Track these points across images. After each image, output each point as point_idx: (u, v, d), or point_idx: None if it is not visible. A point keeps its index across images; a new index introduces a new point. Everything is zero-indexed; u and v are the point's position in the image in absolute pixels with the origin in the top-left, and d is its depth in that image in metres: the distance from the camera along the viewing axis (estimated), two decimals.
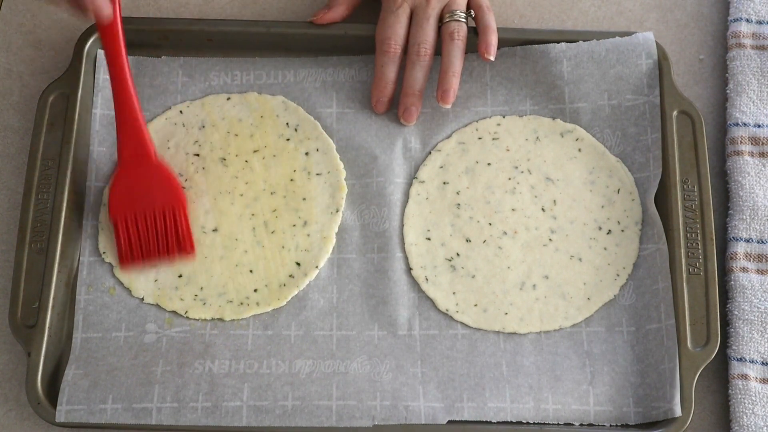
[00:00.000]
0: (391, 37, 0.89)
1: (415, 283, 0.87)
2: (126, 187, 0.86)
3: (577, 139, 0.90)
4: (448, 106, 0.89)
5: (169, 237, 0.86)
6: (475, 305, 0.86)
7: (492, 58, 0.89)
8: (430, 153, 0.90)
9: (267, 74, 0.93)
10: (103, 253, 0.87)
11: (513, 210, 0.88)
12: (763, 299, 0.84)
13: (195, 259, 0.86)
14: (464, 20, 0.90)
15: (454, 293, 0.86)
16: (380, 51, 0.90)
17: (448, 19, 0.89)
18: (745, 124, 0.90)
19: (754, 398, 0.82)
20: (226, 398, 0.82)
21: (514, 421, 0.82)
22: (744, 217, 0.87)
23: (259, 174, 0.89)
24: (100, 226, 0.88)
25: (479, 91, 0.92)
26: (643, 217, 0.88)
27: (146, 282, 0.86)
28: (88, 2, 0.79)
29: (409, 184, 0.89)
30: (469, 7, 0.91)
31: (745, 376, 0.83)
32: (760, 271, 0.86)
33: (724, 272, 0.87)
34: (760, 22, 0.94)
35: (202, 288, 0.86)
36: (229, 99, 0.92)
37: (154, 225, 0.86)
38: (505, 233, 0.88)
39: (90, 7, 0.79)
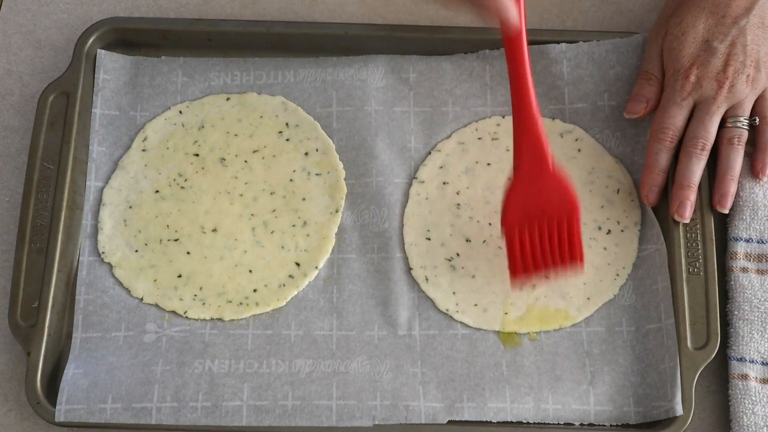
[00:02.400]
0: (669, 127, 0.86)
1: (415, 283, 0.87)
2: (522, 198, 0.82)
3: (576, 140, 0.90)
4: (726, 211, 0.86)
5: (562, 247, 0.82)
6: (475, 305, 0.86)
7: (766, 179, 0.87)
8: (429, 153, 0.90)
9: (267, 74, 0.93)
10: (103, 253, 0.87)
11: None
12: (763, 299, 0.84)
13: (584, 271, 0.84)
14: (747, 128, 0.86)
15: (454, 293, 0.86)
16: (656, 138, 0.86)
17: (731, 125, 0.86)
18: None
19: (754, 398, 0.82)
20: (226, 398, 0.82)
21: (514, 421, 0.82)
22: (744, 217, 0.87)
23: (258, 174, 0.89)
24: (99, 225, 0.88)
25: (479, 91, 0.92)
26: (642, 218, 0.88)
27: (145, 282, 0.86)
28: (491, 4, 0.78)
29: (409, 184, 0.89)
30: (753, 113, 0.87)
31: (745, 376, 0.83)
32: (760, 271, 0.86)
33: (724, 272, 0.87)
34: None
35: (201, 288, 0.86)
36: (228, 99, 0.92)
37: (547, 236, 0.82)
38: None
39: (493, 8, 0.78)
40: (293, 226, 0.88)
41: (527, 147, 0.82)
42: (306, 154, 0.90)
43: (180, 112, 0.91)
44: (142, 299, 0.86)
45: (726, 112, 0.86)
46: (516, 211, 0.82)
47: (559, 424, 0.82)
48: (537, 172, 0.82)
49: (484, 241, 0.87)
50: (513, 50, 0.83)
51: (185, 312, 0.86)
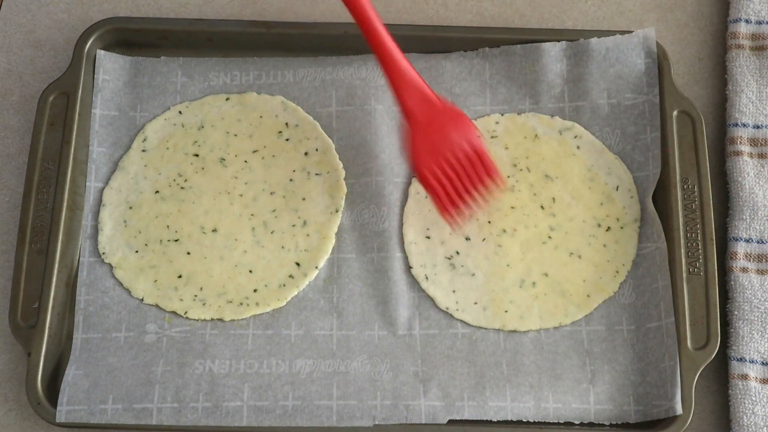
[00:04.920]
0: None
1: (415, 283, 0.87)
2: (423, 141, 0.83)
3: (575, 137, 0.90)
4: None
5: (477, 169, 0.84)
6: (475, 303, 0.86)
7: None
8: None
9: (266, 74, 0.93)
10: (103, 253, 0.87)
11: (512, 208, 0.88)
12: (763, 299, 0.84)
13: (505, 184, 0.86)
14: None
15: (453, 291, 0.86)
16: None
17: None
18: (744, 125, 0.90)
19: (754, 398, 0.82)
20: (226, 398, 0.82)
21: (514, 420, 0.82)
22: (744, 217, 0.87)
23: (258, 174, 0.89)
24: (99, 226, 0.88)
25: (478, 90, 0.92)
26: (642, 216, 0.88)
27: (146, 282, 0.86)
28: None
29: (409, 183, 0.89)
30: None
31: (745, 376, 0.83)
32: (760, 271, 0.86)
33: (724, 272, 0.87)
34: (759, 23, 0.93)
35: (201, 288, 0.86)
36: (228, 99, 0.92)
37: (460, 163, 0.84)
38: (504, 231, 0.88)
39: None
40: (293, 226, 0.88)
41: (408, 94, 0.84)
42: (306, 153, 0.90)
43: (180, 112, 0.91)
44: (142, 300, 0.86)
45: None
46: (422, 155, 0.83)
47: (559, 423, 0.82)
48: (427, 113, 0.84)
49: (484, 239, 0.87)
50: (353, 6, 0.84)
51: (185, 312, 0.86)
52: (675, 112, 0.89)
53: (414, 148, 0.83)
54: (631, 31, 0.91)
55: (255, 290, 0.86)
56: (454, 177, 0.84)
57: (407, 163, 0.84)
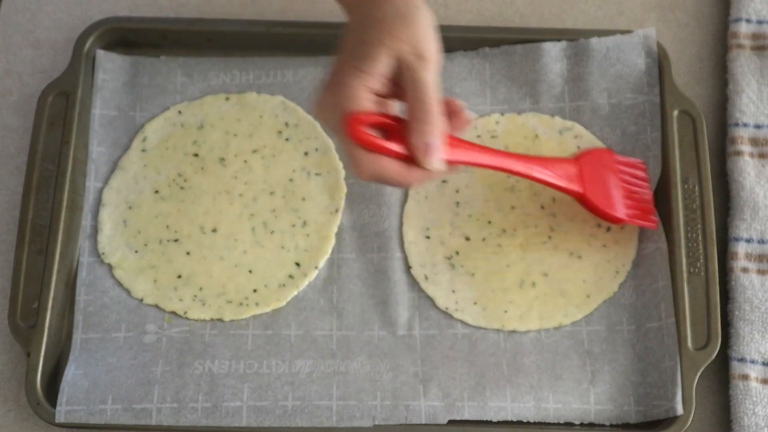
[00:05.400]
0: None
1: (414, 283, 0.87)
2: (602, 191, 0.86)
3: (575, 137, 0.90)
4: None
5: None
6: (475, 303, 0.86)
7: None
8: None
9: (266, 74, 0.93)
10: (102, 253, 0.87)
11: (512, 208, 0.88)
12: (763, 299, 0.84)
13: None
14: None
15: (453, 291, 0.86)
16: None
17: None
18: (745, 125, 0.90)
19: (754, 398, 0.82)
20: (226, 398, 0.82)
21: (514, 420, 0.82)
22: (744, 217, 0.87)
23: (258, 174, 0.89)
24: (99, 226, 0.88)
25: (479, 89, 0.92)
26: None
27: (145, 282, 0.86)
28: None
29: None
30: None
31: (745, 377, 0.83)
32: (760, 271, 0.86)
33: (725, 272, 0.87)
34: (760, 22, 0.93)
35: (201, 288, 0.86)
36: (228, 99, 0.92)
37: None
38: (504, 231, 0.87)
39: None
40: (293, 226, 0.88)
41: (560, 182, 0.84)
42: (306, 153, 0.90)
43: (179, 112, 0.91)
44: (142, 300, 0.86)
45: None
46: (614, 204, 0.85)
47: (559, 423, 0.82)
48: (576, 175, 0.85)
49: (484, 239, 0.87)
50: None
51: (185, 312, 0.86)
52: (675, 112, 0.89)
53: (603, 208, 0.85)
54: (632, 31, 0.91)
55: (255, 290, 0.86)
56: (631, 193, 0.87)
57: (604, 219, 0.86)
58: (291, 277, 0.86)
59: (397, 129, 0.71)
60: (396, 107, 0.70)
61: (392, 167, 0.71)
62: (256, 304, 0.86)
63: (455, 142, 0.75)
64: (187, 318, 0.86)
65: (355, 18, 0.72)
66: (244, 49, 0.93)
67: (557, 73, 0.91)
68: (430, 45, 0.70)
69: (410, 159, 0.71)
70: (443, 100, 0.73)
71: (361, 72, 0.68)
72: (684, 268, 0.84)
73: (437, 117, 0.70)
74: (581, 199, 0.85)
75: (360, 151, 0.70)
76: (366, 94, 0.69)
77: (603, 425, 0.82)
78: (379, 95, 0.70)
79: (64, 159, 0.87)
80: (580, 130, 0.90)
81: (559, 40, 0.92)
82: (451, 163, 0.74)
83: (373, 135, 0.69)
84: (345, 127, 0.69)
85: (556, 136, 0.90)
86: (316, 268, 0.87)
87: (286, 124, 0.91)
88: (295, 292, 0.86)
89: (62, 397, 0.81)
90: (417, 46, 0.69)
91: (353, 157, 0.70)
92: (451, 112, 0.74)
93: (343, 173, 0.89)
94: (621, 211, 0.85)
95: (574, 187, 0.84)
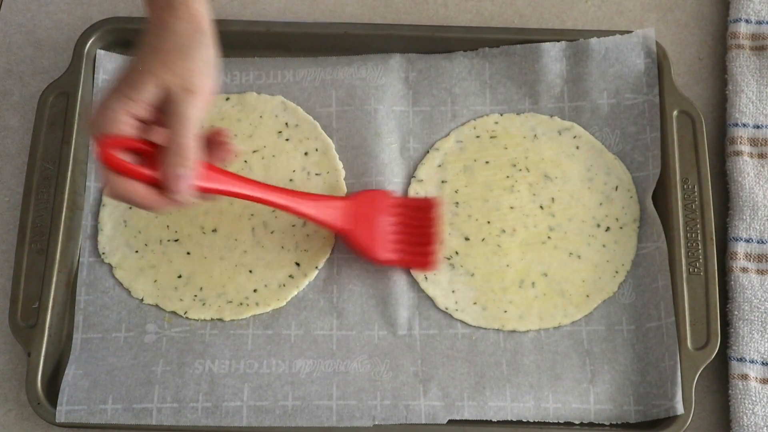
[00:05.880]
0: None
1: (414, 283, 0.87)
2: (364, 236, 0.85)
3: (574, 137, 0.90)
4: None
5: (415, 214, 0.87)
6: (475, 303, 0.86)
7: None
8: (428, 152, 0.90)
9: (266, 74, 0.93)
10: (103, 253, 0.87)
11: (511, 208, 0.88)
12: (763, 299, 0.84)
13: (439, 205, 0.87)
14: None
15: (453, 291, 0.86)
16: None
17: None
18: (744, 125, 0.90)
19: (754, 398, 0.82)
20: (226, 398, 0.82)
21: (514, 420, 0.82)
22: (744, 217, 0.87)
23: (258, 174, 0.89)
24: (99, 226, 0.88)
25: (478, 90, 0.92)
26: (641, 216, 0.88)
27: (146, 283, 0.86)
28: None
29: (408, 183, 0.89)
30: None
31: (745, 376, 0.83)
32: (760, 271, 0.86)
33: (724, 272, 0.87)
34: (759, 23, 0.93)
35: (201, 288, 0.86)
36: (228, 99, 0.92)
37: (401, 222, 0.87)
38: (503, 231, 0.88)
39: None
40: (293, 226, 0.88)
41: (330, 218, 0.84)
42: (306, 153, 0.90)
43: None
44: (142, 300, 0.86)
45: None
46: (373, 248, 0.85)
47: (559, 423, 0.82)
48: (348, 216, 0.85)
49: (483, 239, 0.87)
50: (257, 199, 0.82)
51: (185, 312, 0.86)
52: (675, 112, 0.89)
53: (365, 249, 0.85)
54: (631, 31, 0.91)
55: (255, 290, 0.86)
56: (407, 235, 0.86)
57: (368, 260, 0.86)
58: (291, 277, 0.86)
59: (154, 155, 0.72)
60: (161, 134, 0.72)
61: (139, 191, 0.72)
62: (256, 304, 0.86)
63: (215, 172, 0.76)
64: (187, 318, 0.86)
65: (147, 37, 0.73)
66: (244, 50, 0.93)
67: (556, 73, 0.92)
68: (202, 80, 0.72)
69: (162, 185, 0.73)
70: (212, 131, 0.75)
71: (126, 98, 0.70)
72: (683, 268, 0.84)
73: (190, 150, 0.71)
74: (349, 237, 0.85)
75: (108, 173, 0.71)
76: (126, 118, 0.70)
77: (603, 425, 0.82)
78: (145, 121, 0.72)
79: (65, 159, 0.87)
80: (579, 131, 0.90)
81: (558, 40, 0.92)
82: (207, 192, 0.76)
83: (123, 159, 0.71)
84: (96, 148, 0.70)
85: (555, 136, 0.90)
86: (316, 268, 0.87)
87: (286, 125, 0.91)
88: (295, 292, 0.86)
89: (63, 396, 0.82)
90: (188, 80, 0.71)
91: (102, 176, 0.72)
92: (216, 143, 0.75)
93: (343, 173, 0.89)
94: (384, 253, 0.85)
95: (342, 225, 0.84)
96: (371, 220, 0.85)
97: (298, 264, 0.87)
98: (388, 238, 0.86)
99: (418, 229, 0.86)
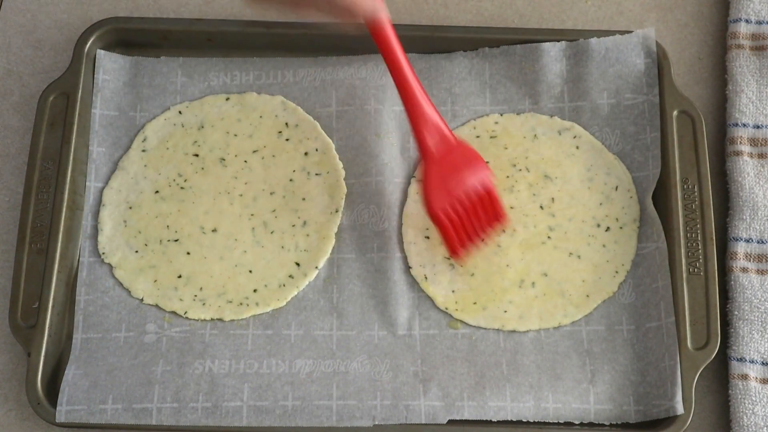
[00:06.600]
0: None
1: (414, 283, 0.87)
2: (438, 179, 0.84)
3: (574, 137, 0.90)
4: None
5: (486, 211, 0.85)
6: (474, 303, 0.86)
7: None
8: None
9: (266, 74, 0.93)
10: (103, 253, 0.87)
11: (511, 208, 0.88)
12: (763, 299, 0.84)
13: (508, 225, 0.87)
14: None
15: (453, 291, 0.86)
16: None
17: None
18: (744, 125, 0.90)
19: (754, 398, 0.82)
20: (226, 398, 0.82)
21: (514, 420, 0.82)
22: (744, 217, 0.87)
23: (258, 174, 0.89)
24: (99, 226, 0.88)
25: (478, 90, 0.92)
26: (641, 216, 0.88)
27: (146, 282, 0.86)
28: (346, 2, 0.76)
29: (408, 183, 0.89)
30: None
31: (745, 376, 0.83)
32: (760, 271, 0.86)
33: (724, 272, 0.87)
34: (759, 23, 0.93)
35: (201, 288, 0.86)
36: (228, 99, 0.92)
37: (472, 204, 0.84)
38: (503, 231, 0.88)
39: (349, 4, 0.76)
40: (293, 226, 0.88)
41: (426, 131, 0.84)
42: (306, 153, 0.90)
43: (179, 112, 0.91)
44: (142, 300, 0.86)
45: None
46: (436, 193, 0.83)
47: (559, 423, 0.82)
48: (442, 150, 0.84)
49: (483, 239, 0.87)
50: (382, 41, 0.83)
51: (185, 312, 0.86)
52: (675, 112, 0.89)
53: (428, 186, 0.84)
54: (631, 31, 0.91)
55: (255, 290, 0.86)
56: (465, 217, 0.84)
57: (421, 200, 0.85)
58: (291, 277, 0.86)
59: None
60: None
61: None
62: (256, 304, 0.86)
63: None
64: (187, 318, 0.86)
65: None
66: (245, 50, 0.93)
67: (556, 73, 0.92)
68: None
69: None
70: None
71: None
72: (683, 267, 0.84)
73: None
74: (426, 164, 0.84)
75: None
76: None
77: (603, 425, 0.82)
78: None
79: (65, 159, 0.87)
80: (579, 131, 0.90)
81: (558, 40, 0.92)
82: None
83: None
84: None
85: (555, 136, 0.90)
86: (316, 268, 0.87)
87: (286, 125, 0.91)
88: (295, 292, 0.86)
89: (63, 396, 0.82)
90: None
91: None
92: None
93: (343, 173, 0.89)
94: (439, 208, 0.83)
95: (431, 147, 0.84)
96: (455, 173, 0.84)
97: (298, 264, 0.87)
98: (453, 203, 0.84)
99: (476, 222, 0.85)
